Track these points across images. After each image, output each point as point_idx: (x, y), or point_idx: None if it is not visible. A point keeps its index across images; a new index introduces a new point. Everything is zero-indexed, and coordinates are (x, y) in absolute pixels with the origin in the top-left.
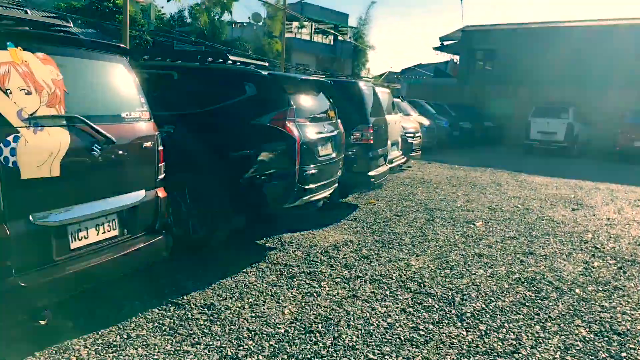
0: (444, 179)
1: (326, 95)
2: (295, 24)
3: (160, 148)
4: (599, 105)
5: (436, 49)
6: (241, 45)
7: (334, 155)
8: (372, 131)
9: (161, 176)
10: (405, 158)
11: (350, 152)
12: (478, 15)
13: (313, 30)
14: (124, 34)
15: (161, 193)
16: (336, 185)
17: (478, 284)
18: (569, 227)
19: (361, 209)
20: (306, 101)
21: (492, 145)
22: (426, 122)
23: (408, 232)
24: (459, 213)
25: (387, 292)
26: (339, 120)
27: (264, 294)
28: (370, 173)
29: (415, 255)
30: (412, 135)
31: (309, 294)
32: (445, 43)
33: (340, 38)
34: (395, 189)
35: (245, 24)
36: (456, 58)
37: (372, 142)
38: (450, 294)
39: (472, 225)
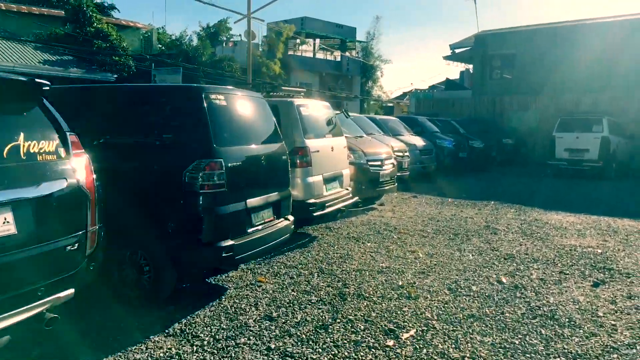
0: (419, 222)
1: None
2: (298, 40)
3: None
4: None
5: (447, 58)
6: (228, 66)
7: None
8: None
9: None
10: (353, 198)
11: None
12: (496, 19)
13: (316, 47)
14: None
15: None
16: None
17: None
18: (583, 342)
19: (230, 297)
20: None
21: (511, 168)
22: (419, 142)
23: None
24: (388, 307)
25: None
26: None
27: None
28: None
29: None
30: (379, 163)
31: None
32: (457, 51)
33: (347, 54)
34: (326, 247)
35: (236, 43)
36: (471, 67)
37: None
38: None
39: (390, 343)
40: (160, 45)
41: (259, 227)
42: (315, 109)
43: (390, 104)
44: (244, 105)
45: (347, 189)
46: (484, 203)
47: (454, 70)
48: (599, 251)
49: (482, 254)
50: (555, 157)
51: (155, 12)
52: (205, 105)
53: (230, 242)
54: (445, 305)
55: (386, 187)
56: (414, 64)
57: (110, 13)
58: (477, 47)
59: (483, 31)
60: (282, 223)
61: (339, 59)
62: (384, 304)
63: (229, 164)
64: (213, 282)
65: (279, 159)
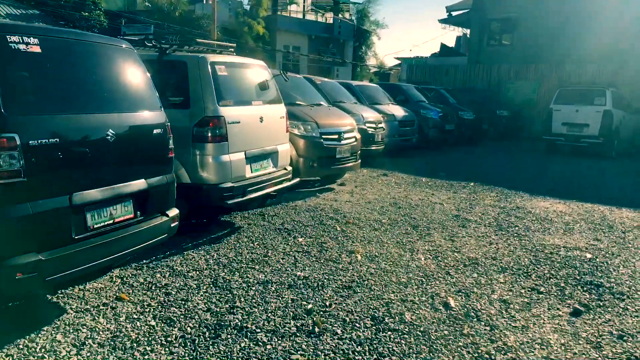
0: (376, 209)
1: None
2: None
3: None
4: None
5: (443, 21)
6: (206, 25)
7: None
8: None
9: None
10: (291, 180)
11: None
12: None
13: (307, 7)
14: None
15: None
16: None
17: None
18: None
19: (67, 323)
20: None
21: (504, 142)
22: (399, 112)
23: None
24: (271, 351)
25: None
26: None
27: None
28: None
29: None
30: (335, 137)
31: None
32: (455, 14)
33: (340, 16)
34: (243, 245)
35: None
36: (469, 33)
37: None
38: None
39: None
40: (147, 3)
41: (101, 231)
42: (240, 68)
43: (388, 71)
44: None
45: (286, 169)
46: (462, 184)
47: (450, 36)
48: (588, 256)
49: (438, 257)
50: (552, 132)
51: None
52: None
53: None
54: (356, 351)
55: (345, 165)
56: (411, 28)
57: None
58: (475, 10)
59: None
60: (152, 222)
61: (331, 21)
62: (269, 345)
63: (30, 142)
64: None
65: (147, 133)
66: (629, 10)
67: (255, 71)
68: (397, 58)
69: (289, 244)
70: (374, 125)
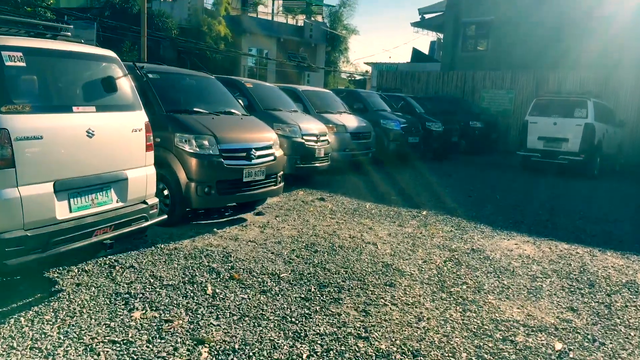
0: (284, 255)
1: None
2: None
3: None
4: (635, 96)
5: (415, 24)
6: (163, 23)
7: None
8: None
9: None
10: (150, 219)
11: None
12: None
13: (277, 9)
14: None
15: None
16: None
17: None
18: None
19: None
20: None
21: (477, 157)
22: (352, 123)
23: None
24: None
25: None
26: None
27: None
28: None
29: None
30: (243, 155)
31: None
32: (428, 16)
33: (312, 19)
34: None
35: None
36: (443, 37)
37: None
38: None
39: None
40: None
41: None
42: (61, 59)
43: (363, 77)
44: None
45: (146, 203)
46: (413, 212)
47: (423, 41)
48: (557, 346)
49: (331, 352)
50: (527, 147)
51: None
52: None
53: None
54: None
55: (258, 191)
56: (384, 33)
57: None
58: (449, 12)
59: None
60: None
61: (302, 24)
62: None
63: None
64: None
65: None
66: (617, 14)
67: (91, 65)
68: (367, 63)
69: (115, 321)
70: (314, 138)
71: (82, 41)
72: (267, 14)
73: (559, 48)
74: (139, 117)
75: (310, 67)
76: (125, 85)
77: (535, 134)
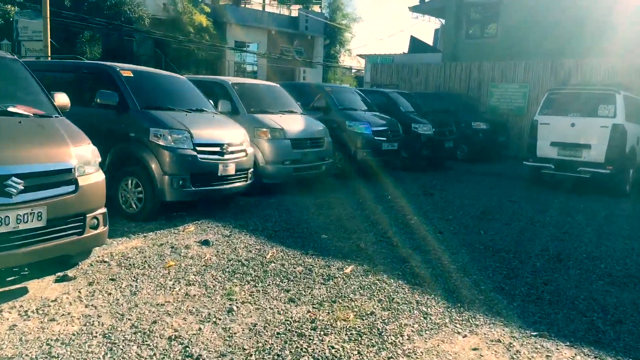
0: None
1: None
2: None
3: None
4: None
5: (414, 9)
6: (133, 13)
7: None
8: None
9: None
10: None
11: None
12: None
13: None
14: None
15: None
16: None
17: None
18: None
19: None
20: None
21: (479, 165)
22: (296, 126)
23: None
24: None
25: None
26: None
27: None
28: None
29: None
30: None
31: None
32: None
33: (310, 9)
34: None
35: None
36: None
37: None
38: None
39: None
40: None
41: None
42: None
43: (355, 71)
44: None
45: None
46: (330, 270)
47: (422, 29)
48: None
49: None
50: (537, 156)
51: None
52: None
53: None
54: None
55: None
56: (376, 21)
57: None
58: None
59: None
60: None
61: (296, 14)
62: None
63: None
64: None
65: None
66: None
67: None
68: (360, 55)
69: None
70: (216, 149)
71: None
72: (259, 4)
73: (583, 32)
74: None
75: (305, 62)
76: None
77: (548, 138)
